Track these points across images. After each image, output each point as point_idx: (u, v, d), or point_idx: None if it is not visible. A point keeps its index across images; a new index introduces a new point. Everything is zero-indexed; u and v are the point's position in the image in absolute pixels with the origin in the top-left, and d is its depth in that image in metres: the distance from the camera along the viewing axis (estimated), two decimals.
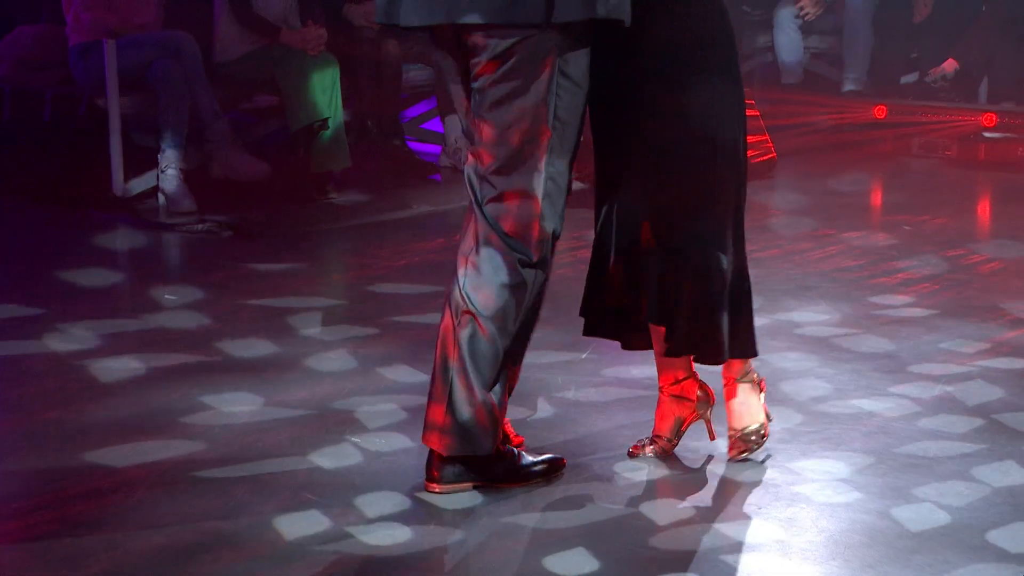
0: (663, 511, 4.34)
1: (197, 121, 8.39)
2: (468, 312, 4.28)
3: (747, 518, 4.24)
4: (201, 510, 4.28)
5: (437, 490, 4.37)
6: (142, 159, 8.45)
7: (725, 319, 4.50)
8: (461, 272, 4.31)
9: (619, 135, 4.50)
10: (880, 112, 10.77)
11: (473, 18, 4.12)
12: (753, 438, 4.67)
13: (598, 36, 4.26)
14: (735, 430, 4.68)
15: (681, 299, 4.47)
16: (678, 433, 4.69)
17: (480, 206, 4.29)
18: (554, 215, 4.28)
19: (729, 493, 4.45)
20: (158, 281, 6.87)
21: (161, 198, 8.24)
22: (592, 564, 3.97)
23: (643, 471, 4.59)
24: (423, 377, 4.63)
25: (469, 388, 4.29)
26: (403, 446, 4.76)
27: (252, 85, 8.82)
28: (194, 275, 7.10)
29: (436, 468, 4.38)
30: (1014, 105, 10.66)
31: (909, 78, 11.31)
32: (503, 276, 4.26)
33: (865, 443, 4.79)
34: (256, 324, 6.13)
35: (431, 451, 4.40)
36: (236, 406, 5.17)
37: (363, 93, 9.40)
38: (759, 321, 4.75)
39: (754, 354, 4.65)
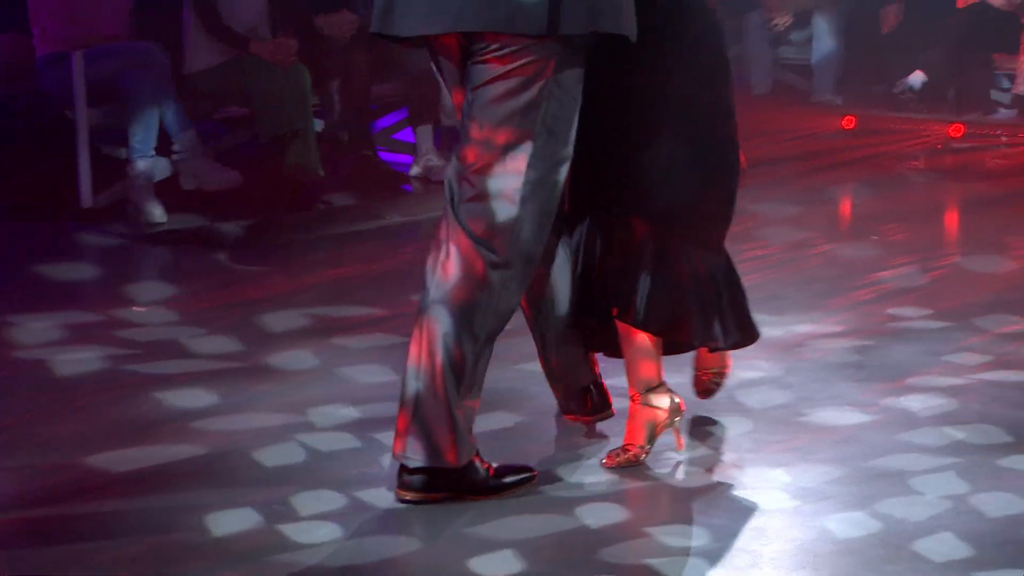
0: (632, 520, 4.35)
1: (166, 132, 8.38)
2: (437, 319, 4.29)
3: (716, 527, 4.25)
4: (174, 517, 4.28)
5: (408, 498, 4.37)
6: (111, 170, 8.44)
7: (722, 311, 4.69)
8: (430, 279, 4.33)
9: (599, 144, 4.55)
10: (849, 123, 10.82)
11: (477, 27, 4.17)
12: (718, 379, 5.07)
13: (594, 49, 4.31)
14: (702, 371, 5.06)
15: (685, 301, 4.60)
16: (650, 441, 4.70)
17: (455, 208, 4.31)
18: (532, 221, 4.30)
19: (698, 502, 4.46)
20: (128, 290, 6.86)
21: (130, 208, 8.22)
22: (552, 574, 3.97)
23: (613, 480, 4.59)
24: (393, 383, 4.63)
25: (436, 397, 4.29)
26: (376, 451, 4.76)
27: (222, 96, 8.81)
28: (164, 284, 7.10)
29: (406, 477, 4.38)
30: (981, 116, 10.72)
31: (878, 89, 11.37)
32: (471, 279, 4.28)
33: (834, 453, 4.80)
34: (228, 331, 6.13)
35: None
36: (209, 412, 5.17)
37: (334, 103, 9.41)
38: None
39: (754, 340, 4.87)
